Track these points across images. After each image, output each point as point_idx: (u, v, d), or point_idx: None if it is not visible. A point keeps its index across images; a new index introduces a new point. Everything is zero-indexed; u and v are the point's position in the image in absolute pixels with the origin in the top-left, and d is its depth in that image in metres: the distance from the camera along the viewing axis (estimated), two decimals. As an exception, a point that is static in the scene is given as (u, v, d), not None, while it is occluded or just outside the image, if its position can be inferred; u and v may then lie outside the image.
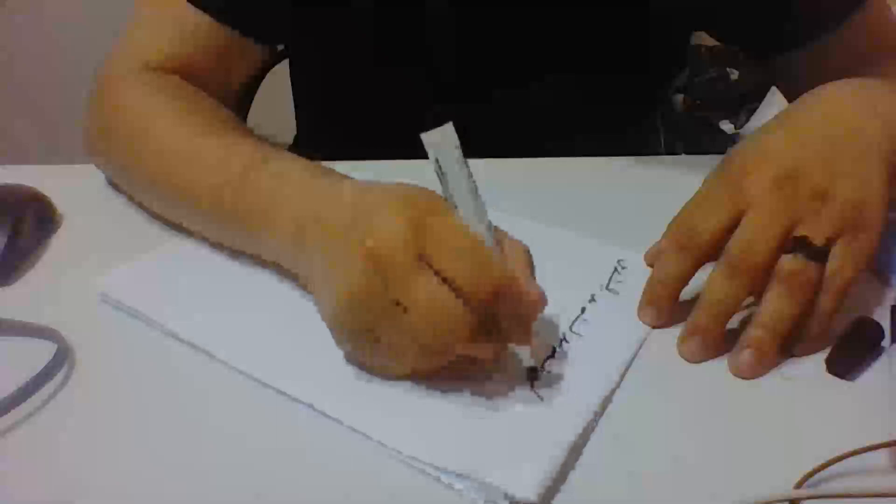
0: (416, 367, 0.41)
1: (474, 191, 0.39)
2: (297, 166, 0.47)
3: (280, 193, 0.45)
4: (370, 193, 0.41)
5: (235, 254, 0.51)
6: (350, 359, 0.42)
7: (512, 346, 0.42)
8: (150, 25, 0.62)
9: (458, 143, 0.38)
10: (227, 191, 0.48)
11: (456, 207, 0.39)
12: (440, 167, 0.39)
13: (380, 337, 0.39)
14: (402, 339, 0.38)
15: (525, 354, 0.42)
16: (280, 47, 0.81)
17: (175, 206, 0.53)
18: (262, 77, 0.94)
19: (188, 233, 0.53)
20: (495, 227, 0.41)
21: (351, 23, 0.66)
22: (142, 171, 0.55)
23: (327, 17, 0.67)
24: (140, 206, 0.57)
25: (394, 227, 0.38)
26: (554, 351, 0.44)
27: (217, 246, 0.51)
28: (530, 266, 0.41)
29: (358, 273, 0.38)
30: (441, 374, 0.41)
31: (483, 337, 0.39)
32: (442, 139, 0.38)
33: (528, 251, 0.42)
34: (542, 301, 0.39)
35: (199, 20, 0.60)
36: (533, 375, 0.42)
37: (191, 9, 0.59)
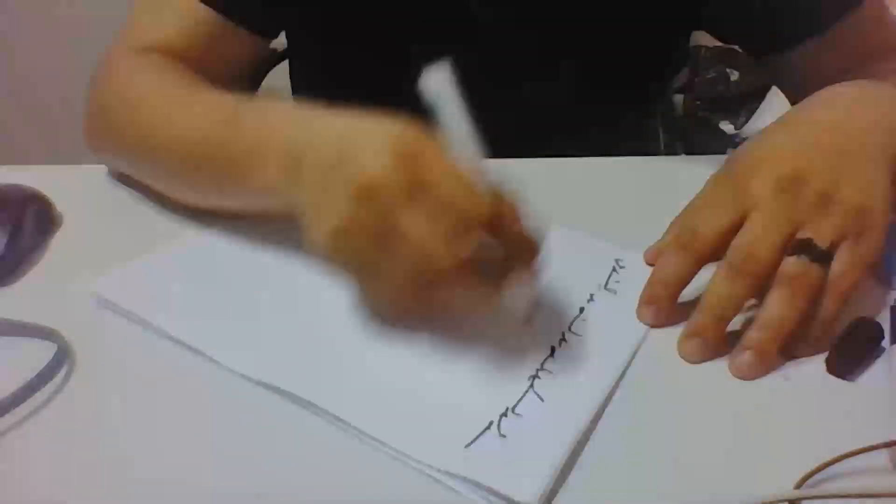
0: (410, 304, 0.41)
1: (469, 128, 0.39)
2: (283, 104, 0.47)
3: (270, 126, 0.45)
4: (360, 125, 0.41)
5: (229, 255, 0.51)
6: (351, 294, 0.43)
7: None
8: (149, 11, 0.63)
9: (453, 82, 0.39)
10: (219, 130, 0.49)
11: (453, 142, 0.39)
12: (438, 105, 0.39)
13: (372, 270, 0.39)
14: (395, 271, 0.38)
15: (521, 303, 0.43)
16: (280, 48, 0.81)
17: (169, 162, 0.53)
18: (263, 77, 0.94)
19: (178, 223, 0.54)
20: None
21: (349, 21, 0.66)
22: (137, 136, 0.56)
23: (326, 14, 0.67)
24: (140, 183, 0.58)
25: (386, 161, 0.38)
26: (553, 351, 0.44)
27: (206, 245, 0.52)
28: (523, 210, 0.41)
29: (351, 205, 0.38)
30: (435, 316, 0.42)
31: (475, 279, 0.39)
32: (439, 77, 0.39)
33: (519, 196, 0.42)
34: (539, 240, 0.41)
35: (196, 8, 0.61)
36: (528, 320, 0.43)
37: None
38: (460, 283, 0.39)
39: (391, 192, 0.37)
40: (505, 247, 0.40)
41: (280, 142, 0.44)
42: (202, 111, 0.51)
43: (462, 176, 0.38)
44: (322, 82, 0.77)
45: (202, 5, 0.61)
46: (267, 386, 0.41)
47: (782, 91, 0.73)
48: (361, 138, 0.40)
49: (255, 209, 0.49)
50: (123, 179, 0.60)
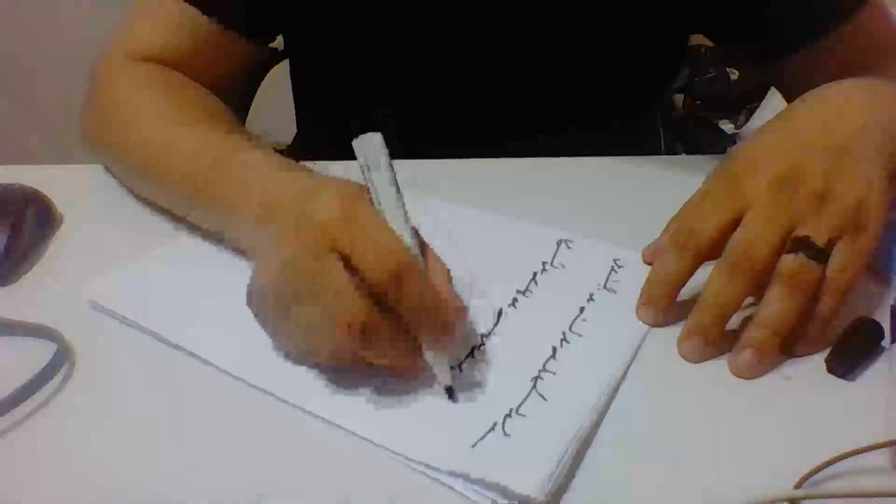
0: (327, 355, 0.41)
1: (397, 194, 0.41)
2: (264, 159, 0.49)
3: (247, 183, 0.47)
4: (314, 184, 0.44)
5: (226, 257, 0.51)
6: (273, 340, 0.43)
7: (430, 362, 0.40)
8: (143, 17, 0.63)
9: (385, 149, 0.41)
10: (200, 179, 0.50)
11: (379, 206, 0.41)
12: (368, 171, 0.41)
13: (296, 315, 0.40)
14: (312, 320, 0.39)
15: (442, 374, 0.40)
16: (280, 47, 0.81)
17: (157, 193, 0.56)
18: (262, 77, 0.94)
19: (176, 224, 0.55)
20: (424, 242, 0.42)
21: (347, 24, 0.66)
22: (128, 160, 0.58)
23: (324, 18, 0.67)
24: (131, 192, 0.59)
25: (322, 214, 0.40)
26: (555, 351, 0.44)
27: (201, 248, 0.52)
28: (450, 280, 0.41)
29: (289, 251, 0.40)
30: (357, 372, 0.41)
31: (386, 336, 0.38)
32: (370, 145, 0.41)
33: (448, 270, 0.42)
34: (460, 309, 0.41)
35: (188, 14, 0.61)
36: (450, 393, 0.40)
37: (181, 2, 0.61)
38: (376, 339, 0.38)
39: (320, 242, 0.39)
40: (411, 312, 0.39)
41: (255, 203, 0.45)
42: (186, 154, 0.53)
43: (380, 232, 0.39)
44: (322, 82, 0.77)
45: (196, 11, 0.61)
46: (261, 389, 0.41)
47: (779, 91, 0.73)
48: (315, 193, 0.41)
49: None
50: (123, 179, 0.60)
